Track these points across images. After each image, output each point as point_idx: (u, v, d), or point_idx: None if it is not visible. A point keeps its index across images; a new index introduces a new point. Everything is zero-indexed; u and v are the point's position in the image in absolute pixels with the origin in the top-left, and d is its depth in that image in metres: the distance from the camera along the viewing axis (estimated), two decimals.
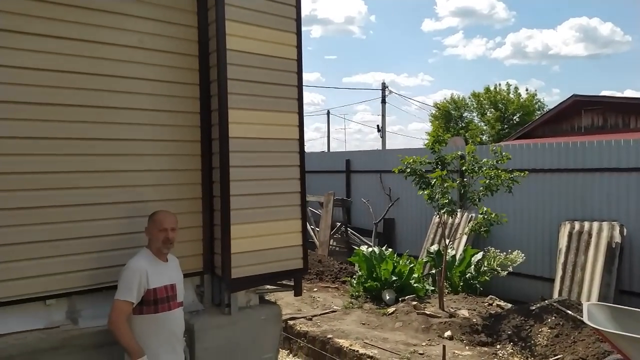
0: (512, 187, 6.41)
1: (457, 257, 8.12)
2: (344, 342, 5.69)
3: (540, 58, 70.93)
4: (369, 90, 44.97)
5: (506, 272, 7.84)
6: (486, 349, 5.62)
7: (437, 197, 6.64)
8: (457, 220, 8.91)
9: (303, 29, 4.09)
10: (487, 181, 6.46)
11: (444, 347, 4.55)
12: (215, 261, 3.87)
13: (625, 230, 7.49)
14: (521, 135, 20.32)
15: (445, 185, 6.57)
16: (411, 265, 7.86)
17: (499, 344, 5.72)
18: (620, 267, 7.38)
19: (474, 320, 6.27)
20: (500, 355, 5.45)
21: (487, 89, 36.90)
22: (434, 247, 8.30)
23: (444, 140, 7.33)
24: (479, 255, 8.08)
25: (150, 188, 3.59)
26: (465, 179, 6.99)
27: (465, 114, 38.54)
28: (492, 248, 8.18)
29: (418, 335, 6.01)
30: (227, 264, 3.67)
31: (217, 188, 3.79)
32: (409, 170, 6.85)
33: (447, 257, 7.23)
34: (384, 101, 26.40)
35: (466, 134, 33.50)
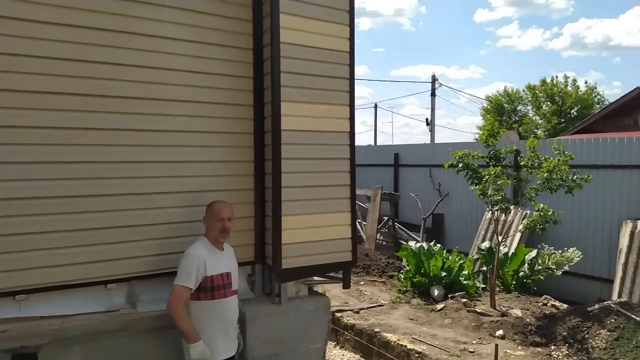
0: (572, 188, 6.13)
1: (510, 254, 7.89)
2: (391, 337, 5.66)
3: (600, 49, 67.60)
4: (418, 83, 44.30)
5: (561, 272, 7.54)
6: (540, 349, 5.45)
7: (490, 192, 6.45)
8: (510, 217, 8.64)
9: None
10: (547, 177, 6.19)
11: (496, 345, 4.44)
12: (266, 251, 3.94)
13: None
14: (579, 129, 19.41)
15: (499, 182, 6.37)
16: (461, 262, 7.70)
17: (554, 345, 5.52)
18: None
19: (527, 320, 6.08)
20: (555, 356, 5.27)
21: (543, 81, 35.48)
22: (485, 244, 8.10)
23: (498, 133, 7.11)
24: (533, 253, 7.81)
25: (207, 178, 3.70)
26: (521, 175, 6.73)
27: (519, 108, 37.26)
28: (547, 246, 7.90)
29: (468, 333, 5.89)
30: (278, 254, 3.73)
31: (269, 180, 3.84)
32: (461, 164, 6.69)
33: (500, 255, 7.03)
34: (433, 94, 25.91)
35: (520, 128, 32.40)
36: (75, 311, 3.28)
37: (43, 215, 3.12)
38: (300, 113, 3.80)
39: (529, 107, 36.81)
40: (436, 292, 7.25)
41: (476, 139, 31.70)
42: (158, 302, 3.38)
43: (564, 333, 5.68)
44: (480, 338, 5.72)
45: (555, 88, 34.73)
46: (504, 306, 6.59)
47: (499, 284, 7.58)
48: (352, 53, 4.02)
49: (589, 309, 5.98)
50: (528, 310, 6.47)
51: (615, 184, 7.97)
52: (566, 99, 33.90)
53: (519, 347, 5.50)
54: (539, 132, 33.44)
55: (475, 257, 8.38)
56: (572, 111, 33.62)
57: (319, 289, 4.52)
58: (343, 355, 5.88)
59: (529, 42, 74.64)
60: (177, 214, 3.57)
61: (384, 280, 8.55)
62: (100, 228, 3.30)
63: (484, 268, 8.15)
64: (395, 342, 5.54)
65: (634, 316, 5.55)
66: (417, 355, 5.24)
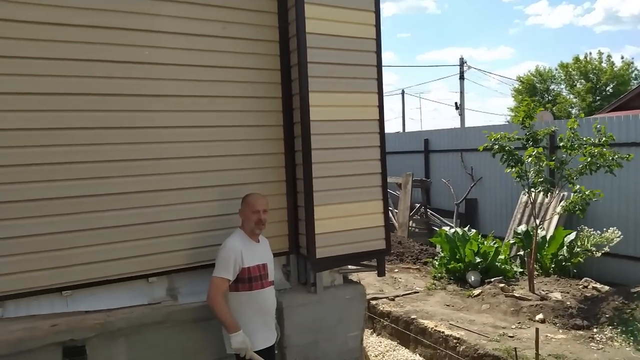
0: (613, 167, 5.94)
1: (548, 237, 7.72)
2: (428, 323, 5.64)
3: (635, 22, 64.70)
4: (446, 67, 43.45)
5: (601, 253, 7.34)
6: (582, 332, 5.33)
7: (529, 175, 6.30)
8: (546, 200, 8.44)
9: None
10: (589, 159, 6.02)
11: (537, 329, 4.36)
12: (300, 241, 3.97)
13: None
14: (616, 107, 18.71)
15: (541, 163, 6.21)
16: (497, 247, 7.58)
17: (596, 328, 5.40)
18: None
19: (568, 303, 5.95)
20: (598, 339, 5.15)
21: (577, 59, 34.35)
22: (522, 228, 7.94)
23: (535, 114, 6.84)
24: (572, 236, 7.62)
25: (239, 172, 3.75)
26: (562, 156, 6.52)
27: (552, 87, 36.20)
28: (586, 227, 7.69)
29: (507, 318, 5.82)
30: (312, 244, 3.76)
31: (300, 171, 3.86)
32: (496, 146, 6.54)
33: (537, 238, 6.89)
34: (462, 77, 25.43)
35: (554, 108, 31.49)
36: (119, 305, 3.40)
37: (85, 213, 3.23)
38: (328, 103, 3.80)
39: (563, 86, 35.79)
40: (472, 278, 7.17)
41: (508, 121, 31.02)
42: (197, 294, 3.47)
43: (607, 315, 5.54)
44: (519, 323, 5.64)
45: (589, 65, 33.58)
46: (543, 290, 6.47)
47: (537, 268, 7.43)
48: (378, 40, 3.98)
49: (633, 290, 5.81)
50: (568, 293, 6.34)
51: None
52: (601, 75, 32.76)
53: (560, 331, 5.40)
54: (573, 111, 32.45)
55: (511, 241, 8.23)
56: (608, 88, 32.49)
57: (353, 277, 4.53)
58: (380, 342, 5.90)
59: (559, 19, 72.34)
60: (213, 208, 3.64)
61: (418, 267, 8.51)
62: (140, 224, 3.40)
63: (521, 252, 8.00)
64: (432, 328, 5.52)
65: None
66: (455, 341, 5.20)
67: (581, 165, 6.12)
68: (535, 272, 7.12)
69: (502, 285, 6.66)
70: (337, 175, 3.86)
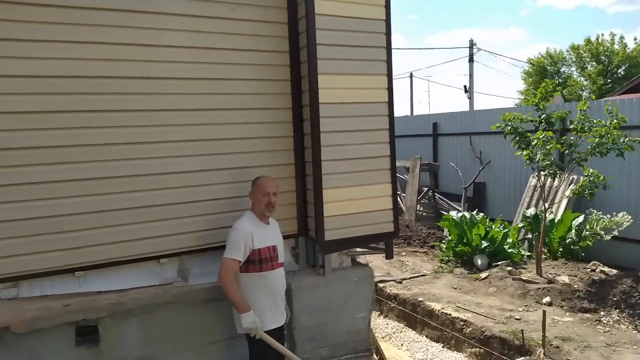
0: (624, 150, 5.88)
1: (556, 221, 7.69)
2: (435, 305, 5.68)
3: None
4: (454, 49, 42.94)
5: (610, 237, 7.31)
6: (589, 315, 5.35)
7: (538, 158, 6.24)
8: (556, 183, 8.40)
9: None
10: (597, 140, 5.95)
11: (544, 312, 4.39)
12: (309, 224, 4.00)
13: None
14: (628, 89, 18.44)
15: (548, 146, 6.15)
16: (505, 230, 7.57)
17: (603, 311, 5.41)
18: None
19: (575, 286, 5.96)
20: (605, 322, 5.17)
21: (588, 41, 33.78)
22: (530, 211, 7.92)
23: (552, 96, 6.65)
24: (581, 219, 7.59)
25: (249, 155, 3.76)
26: (571, 139, 6.45)
27: (562, 69, 35.70)
28: (595, 211, 7.65)
29: (514, 300, 5.84)
30: (321, 226, 3.78)
31: (309, 154, 3.87)
32: (509, 127, 6.47)
33: (546, 222, 6.87)
34: (471, 59, 25.14)
35: (564, 91, 31.10)
36: (131, 285, 3.45)
37: (97, 195, 3.27)
38: (337, 85, 3.79)
39: (573, 69, 35.27)
40: (479, 261, 7.19)
41: (517, 104, 30.70)
42: (208, 275, 3.51)
43: (615, 298, 5.55)
44: (526, 305, 5.66)
45: (601, 47, 33.02)
46: (550, 273, 6.48)
47: (545, 251, 7.43)
48: (388, 21, 3.94)
49: None
50: (576, 276, 6.34)
51: None
52: (613, 57, 32.22)
53: (567, 314, 5.42)
54: (584, 93, 32.03)
55: (520, 224, 8.22)
56: (620, 70, 31.98)
57: (361, 260, 4.57)
58: (387, 324, 5.96)
59: (571, 0, 70.88)
60: (223, 190, 3.66)
61: (425, 250, 8.54)
62: (153, 206, 3.43)
63: (529, 235, 7.99)
64: (439, 310, 5.56)
65: None
66: (462, 323, 5.25)
67: (590, 147, 6.06)
68: (543, 256, 7.12)
69: (509, 268, 6.67)
70: (346, 159, 3.86)
